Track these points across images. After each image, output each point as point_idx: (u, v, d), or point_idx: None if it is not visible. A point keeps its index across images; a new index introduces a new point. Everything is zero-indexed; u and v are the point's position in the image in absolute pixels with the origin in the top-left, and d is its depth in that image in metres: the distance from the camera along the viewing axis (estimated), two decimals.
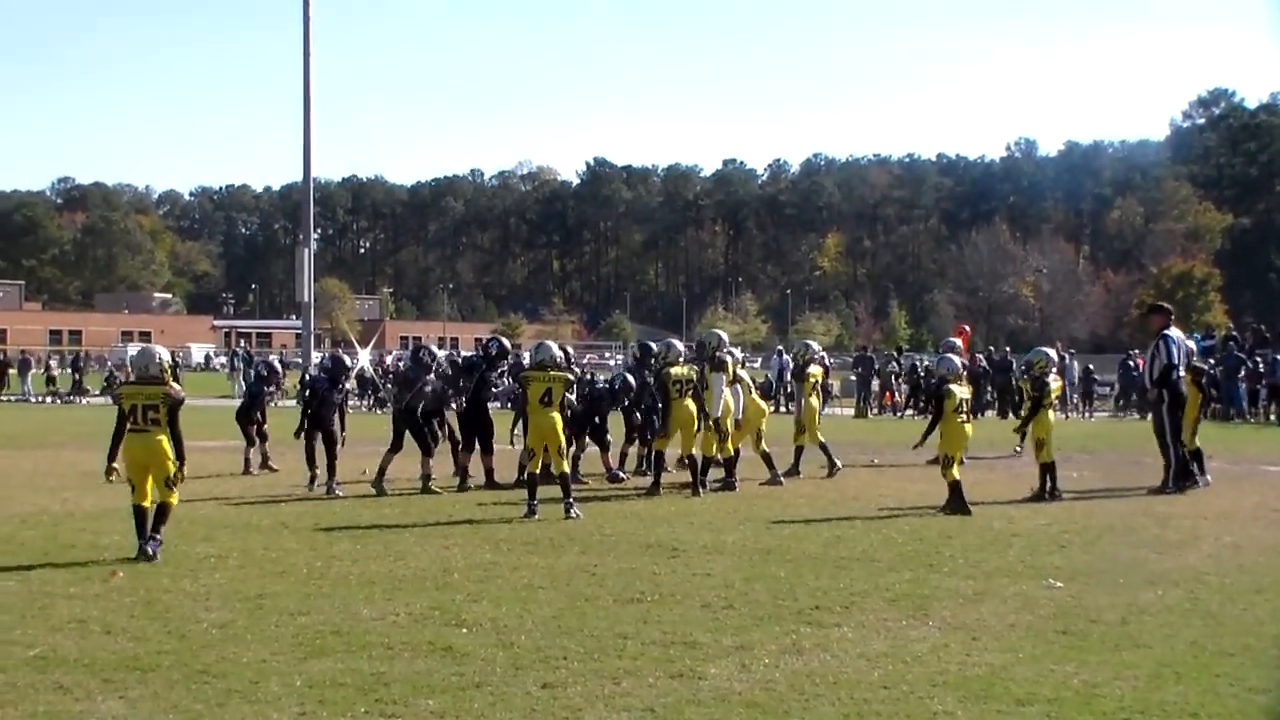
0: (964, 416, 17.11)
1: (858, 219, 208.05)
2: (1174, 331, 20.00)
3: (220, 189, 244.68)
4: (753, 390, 21.11)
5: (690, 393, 18.56)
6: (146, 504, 13.07)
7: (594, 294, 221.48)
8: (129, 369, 15.74)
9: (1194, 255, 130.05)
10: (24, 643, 9.23)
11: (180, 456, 13.21)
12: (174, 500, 13.20)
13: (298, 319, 53.17)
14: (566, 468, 16.68)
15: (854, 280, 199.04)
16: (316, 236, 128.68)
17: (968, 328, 52.72)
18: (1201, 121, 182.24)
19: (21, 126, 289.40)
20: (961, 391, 17.33)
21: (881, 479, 21.10)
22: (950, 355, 19.72)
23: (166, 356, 13.92)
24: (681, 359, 19.26)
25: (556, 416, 16.36)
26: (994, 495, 18.40)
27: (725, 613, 10.34)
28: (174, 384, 13.49)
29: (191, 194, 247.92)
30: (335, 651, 8.99)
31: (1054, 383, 18.66)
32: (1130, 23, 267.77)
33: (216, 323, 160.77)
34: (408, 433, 19.16)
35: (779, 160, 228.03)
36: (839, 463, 21.51)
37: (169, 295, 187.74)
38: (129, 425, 13.09)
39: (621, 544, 13.94)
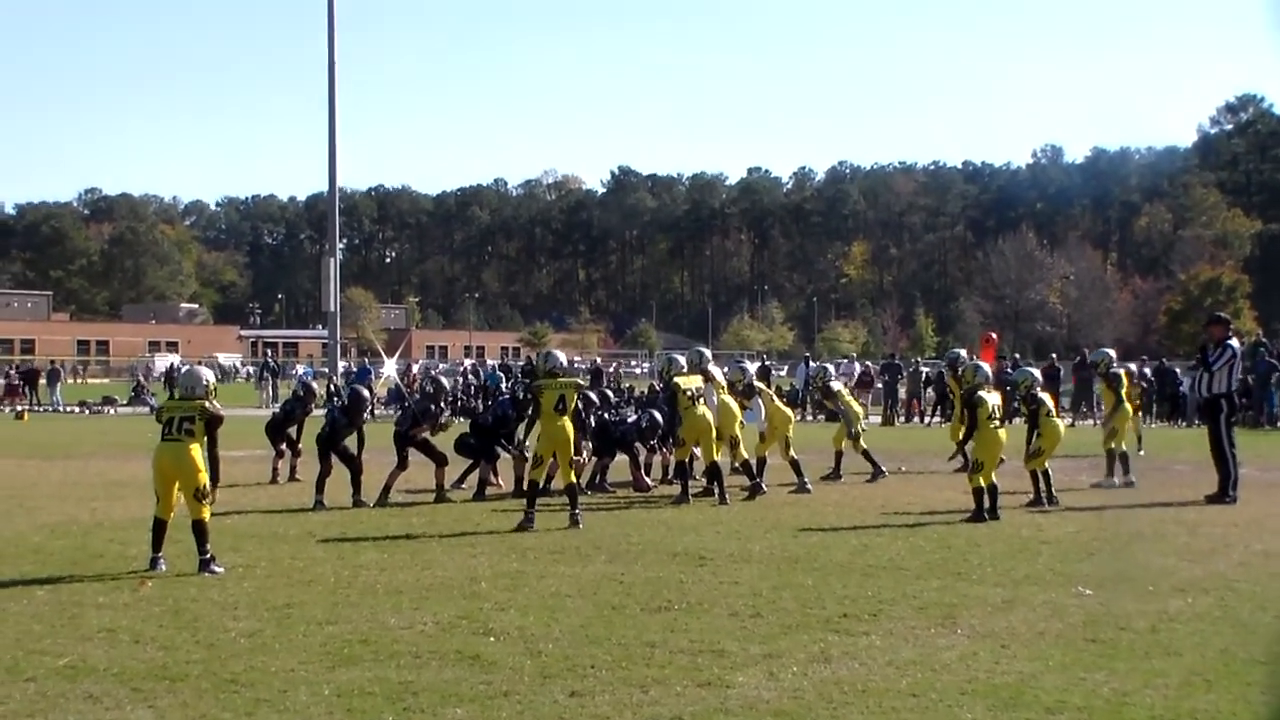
0: (996, 423, 17.11)
1: (883, 227, 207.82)
2: (1235, 343, 19.94)
3: (246, 199, 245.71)
4: (775, 399, 21.07)
5: (703, 401, 18.67)
6: (168, 518, 13.00)
7: (619, 303, 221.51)
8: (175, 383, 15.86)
9: (1222, 262, 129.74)
10: (54, 652, 9.26)
11: (215, 476, 13.09)
12: (206, 515, 12.92)
13: (324, 328, 53.36)
14: (574, 478, 16.54)
15: (880, 288, 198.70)
16: (342, 246, 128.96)
17: (994, 335, 52.68)
18: (1229, 127, 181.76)
19: (49, 138, 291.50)
20: (992, 398, 17.33)
21: (909, 486, 21.04)
22: (981, 362, 19.84)
23: (212, 378, 13.91)
24: (686, 370, 19.44)
25: (569, 425, 16.23)
26: (1022, 503, 18.33)
27: (753, 621, 10.32)
28: (214, 403, 13.37)
29: (218, 204, 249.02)
30: (363, 660, 9.00)
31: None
32: (1157, 28, 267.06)
33: (243, 332, 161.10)
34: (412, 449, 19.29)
35: (804, 168, 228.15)
36: (884, 469, 21.82)
37: (196, 305, 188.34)
38: (163, 435, 13.03)
39: (649, 552, 13.93)
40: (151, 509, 13.18)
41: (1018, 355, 51.99)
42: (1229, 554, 13.95)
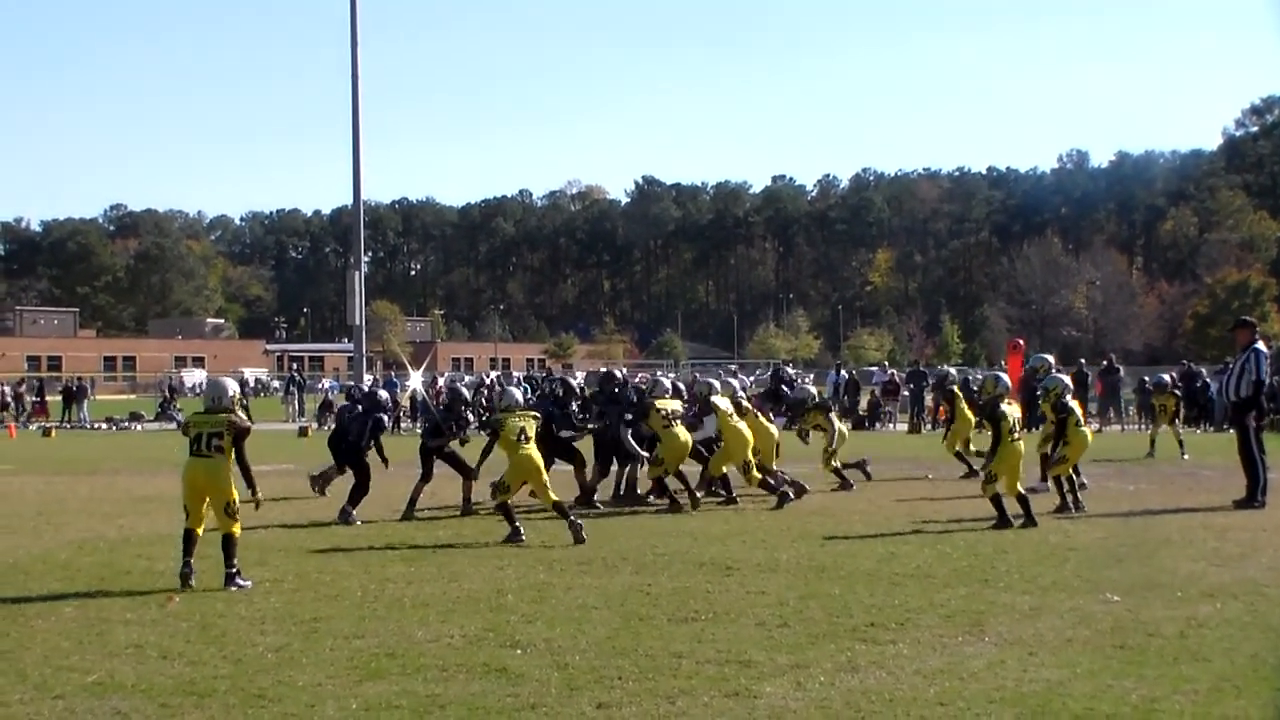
0: (1016, 435, 17.14)
1: (908, 233, 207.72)
2: (1262, 346, 19.87)
3: (271, 213, 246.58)
4: (733, 419, 20.69)
5: (680, 422, 19.13)
6: (199, 531, 13.04)
7: (645, 312, 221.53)
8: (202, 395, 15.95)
9: (1249, 265, 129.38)
10: (81, 669, 9.29)
11: (250, 483, 13.23)
12: (236, 530, 12.98)
13: (349, 342, 53.41)
14: (554, 497, 16.53)
15: (905, 295, 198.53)
16: (367, 259, 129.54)
17: (1021, 342, 52.65)
18: (1255, 130, 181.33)
19: (74, 155, 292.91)
20: (1013, 411, 17.44)
21: (935, 494, 21.01)
22: (1001, 374, 19.91)
23: (236, 389, 13.92)
24: (669, 394, 20.00)
25: (534, 452, 16.26)
26: (1051, 509, 18.29)
27: (780, 631, 10.30)
28: (241, 414, 13.43)
29: (242, 219, 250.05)
30: (390, 674, 9.01)
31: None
32: (1180, 32, 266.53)
33: (269, 347, 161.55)
34: (439, 460, 19.36)
35: (828, 175, 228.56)
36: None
37: (221, 320, 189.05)
38: (191, 451, 13.08)
39: (675, 563, 13.92)
40: (180, 523, 13.21)
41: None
42: (1258, 559, 13.90)
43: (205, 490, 12.98)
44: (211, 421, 13.11)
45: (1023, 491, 16.88)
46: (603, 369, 23.72)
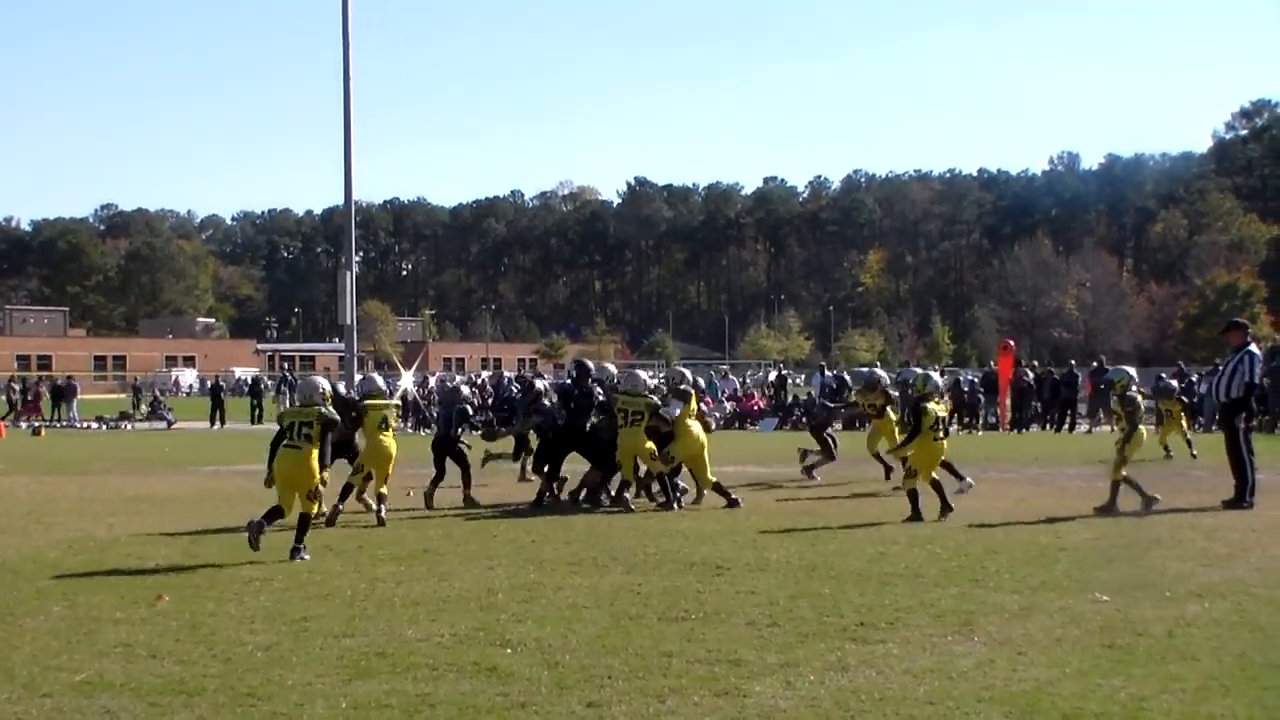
0: (940, 433, 17.87)
1: (899, 235, 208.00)
2: (1255, 349, 19.88)
3: (262, 213, 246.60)
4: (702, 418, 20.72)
5: (638, 422, 18.94)
6: (287, 515, 14.68)
7: (636, 313, 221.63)
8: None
9: (1238, 267, 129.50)
10: (70, 668, 9.27)
11: (324, 467, 15.47)
12: (313, 510, 14.96)
13: (341, 342, 53.35)
14: (384, 490, 17.87)
15: (896, 296, 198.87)
16: (358, 259, 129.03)
17: (1011, 343, 52.71)
18: (1244, 132, 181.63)
19: (65, 155, 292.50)
20: (939, 410, 18.13)
21: (925, 495, 21.00)
22: (933, 374, 20.82)
23: (327, 386, 15.91)
24: (635, 389, 19.49)
25: (391, 442, 17.93)
26: (1040, 510, 18.33)
27: (770, 630, 10.31)
28: (329, 408, 15.13)
29: (234, 218, 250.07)
30: (380, 673, 9.00)
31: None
32: (1171, 34, 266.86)
33: (260, 346, 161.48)
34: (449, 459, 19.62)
35: (820, 177, 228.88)
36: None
37: (212, 320, 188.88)
38: (284, 442, 14.75)
39: (665, 562, 13.92)
40: (174, 523, 13.36)
41: (1035, 363, 51.77)
42: (1246, 559, 13.92)
43: (294, 480, 14.65)
44: (304, 414, 14.86)
45: (934, 478, 17.77)
46: (576, 360, 23.52)
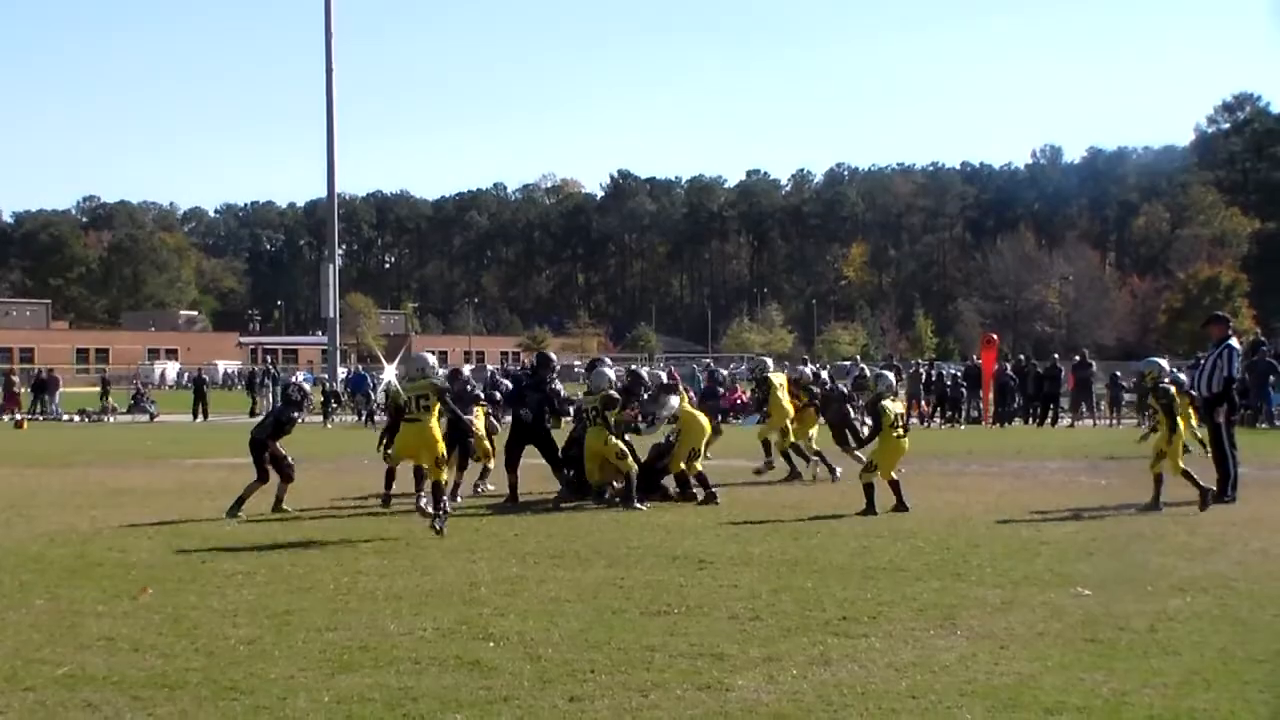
0: (900, 431, 17.98)
1: (882, 228, 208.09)
2: (1235, 343, 19.90)
3: (245, 206, 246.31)
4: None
5: (597, 421, 18.84)
6: (441, 477, 15.70)
7: (619, 306, 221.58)
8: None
9: (1220, 261, 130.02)
10: (53, 661, 9.26)
11: (462, 426, 17.27)
12: (442, 477, 15.74)
13: (324, 335, 53.33)
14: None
15: (879, 290, 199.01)
16: (341, 252, 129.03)
17: (994, 336, 52.78)
18: (1227, 126, 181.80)
19: (47, 146, 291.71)
20: (895, 407, 18.32)
21: (908, 488, 21.01)
22: (887, 373, 21.04)
23: (433, 360, 16.76)
24: (601, 387, 19.22)
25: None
26: (1022, 505, 18.36)
27: (753, 624, 10.32)
28: (440, 379, 16.26)
29: (217, 211, 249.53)
30: (363, 667, 8.99)
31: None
32: (1154, 28, 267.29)
33: (242, 339, 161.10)
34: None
35: (802, 170, 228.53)
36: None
37: (195, 312, 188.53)
38: (405, 416, 15.85)
39: (648, 556, 13.93)
40: (157, 515, 13.32)
41: (1022, 357, 51.77)
42: (1227, 553, 13.95)
43: (418, 450, 15.71)
44: (418, 387, 15.80)
45: (895, 477, 17.88)
46: (537, 352, 23.55)
